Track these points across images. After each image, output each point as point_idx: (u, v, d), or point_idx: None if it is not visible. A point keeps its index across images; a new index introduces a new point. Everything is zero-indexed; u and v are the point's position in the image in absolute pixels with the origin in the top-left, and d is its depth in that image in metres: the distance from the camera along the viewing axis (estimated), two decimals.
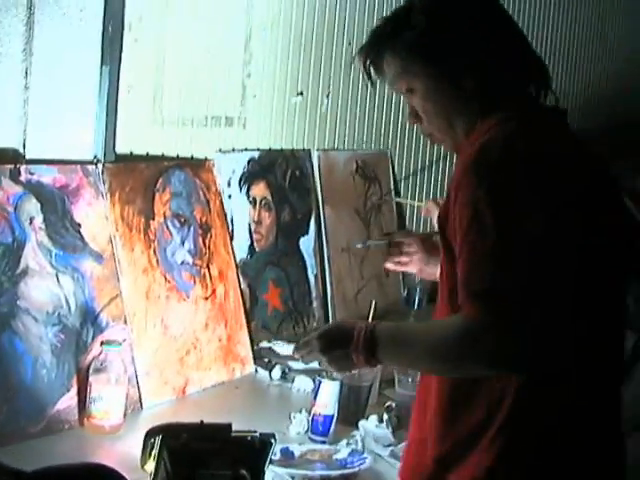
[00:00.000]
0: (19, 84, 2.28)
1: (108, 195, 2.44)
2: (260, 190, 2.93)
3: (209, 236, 2.71)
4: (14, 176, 2.24)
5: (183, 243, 2.63)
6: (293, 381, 2.69)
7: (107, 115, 2.45)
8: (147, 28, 2.54)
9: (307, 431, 2.38)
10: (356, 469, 2.17)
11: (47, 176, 2.31)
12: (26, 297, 2.22)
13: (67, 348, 2.28)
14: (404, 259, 2.52)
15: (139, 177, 2.54)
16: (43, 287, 2.25)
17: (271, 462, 2.11)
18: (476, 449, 1.78)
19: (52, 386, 2.24)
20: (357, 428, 2.40)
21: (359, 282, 3.26)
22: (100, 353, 2.28)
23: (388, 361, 1.89)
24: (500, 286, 1.62)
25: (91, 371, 2.27)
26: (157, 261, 2.55)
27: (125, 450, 2.19)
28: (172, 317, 2.56)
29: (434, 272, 2.33)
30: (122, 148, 2.53)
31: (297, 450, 2.27)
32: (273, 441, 1.97)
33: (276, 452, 2.23)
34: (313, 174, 3.11)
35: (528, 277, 1.62)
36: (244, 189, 2.87)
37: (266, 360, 2.78)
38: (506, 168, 1.69)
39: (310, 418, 2.37)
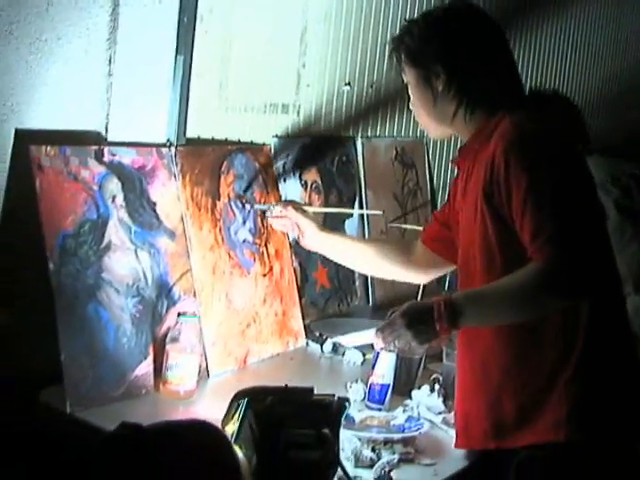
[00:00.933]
0: (103, 71, 2.39)
1: (180, 176, 2.56)
2: (311, 174, 3.06)
3: (265, 216, 2.84)
4: (98, 157, 2.37)
5: (244, 223, 2.76)
6: (344, 354, 2.83)
7: (180, 101, 2.57)
8: (216, 20, 2.66)
9: (363, 399, 2.52)
10: (415, 433, 2.30)
11: (127, 157, 2.43)
12: (109, 270, 2.34)
13: (144, 318, 2.41)
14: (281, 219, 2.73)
15: (207, 160, 2.67)
16: (124, 261, 2.38)
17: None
18: (553, 392, 2.06)
19: (131, 353, 2.37)
20: (410, 397, 2.54)
21: None
22: (176, 324, 2.41)
23: (469, 323, 2.07)
24: (569, 229, 1.93)
25: (168, 340, 2.40)
26: (222, 239, 2.68)
27: (200, 413, 2.32)
28: (235, 292, 2.69)
29: (310, 243, 2.68)
30: (190, 132, 2.65)
31: (357, 416, 2.41)
32: (347, 404, 2.10)
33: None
34: (357, 160, 3.24)
35: (587, 218, 1.99)
36: (297, 173, 3.00)
37: (317, 334, 2.91)
38: (541, 138, 2.05)
39: (367, 387, 2.51)
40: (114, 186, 2.40)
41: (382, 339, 2.16)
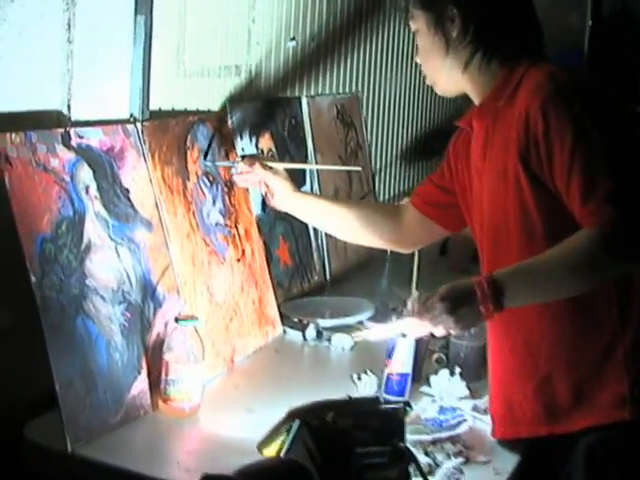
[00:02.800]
0: (62, 38, 1.95)
1: (149, 156, 2.15)
2: (266, 141, 2.69)
3: (233, 193, 2.46)
4: (66, 141, 1.94)
5: (214, 203, 2.38)
6: (330, 340, 2.50)
7: (143, 69, 2.15)
8: None
9: (376, 392, 2.21)
10: (465, 428, 2.02)
11: (94, 139, 2.01)
12: (93, 275, 1.93)
13: (134, 327, 2.01)
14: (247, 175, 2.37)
15: (171, 135, 2.26)
16: (106, 262, 1.97)
17: None
18: (611, 366, 1.83)
19: (125, 370, 1.97)
20: (428, 384, 2.25)
21: None
22: (173, 330, 2.02)
23: (517, 302, 1.79)
24: (626, 186, 1.69)
25: (165, 350, 2.01)
26: (197, 224, 2.29)
27: (214, 433, 1.98)
28: (215, 283, 2.31)
29: (281, 203, 2.34)
30: (152, 104, 2.23)
31: None
32: (410, 408, 1.80)
33: None
34: (304, 122, 2.88)
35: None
36: (253, 141, 2.63)
37: (295, 320, 2.57)
38: (582, 88, 1.81)
39: (384, 378, 2.20)
40: (86, 174, 1.97)
41: (419, 328, 1.85)
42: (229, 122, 2.50)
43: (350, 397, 1.76)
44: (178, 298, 2.16)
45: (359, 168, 2.26)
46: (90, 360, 1.89)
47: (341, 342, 2.48)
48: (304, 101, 2.89)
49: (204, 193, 2.34)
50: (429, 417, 2.10)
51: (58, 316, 1.83)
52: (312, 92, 2.97)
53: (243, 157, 2.37)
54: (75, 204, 1.92)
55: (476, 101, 1.97)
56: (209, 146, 2.35)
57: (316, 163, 2.89)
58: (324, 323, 2.56)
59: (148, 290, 2.07)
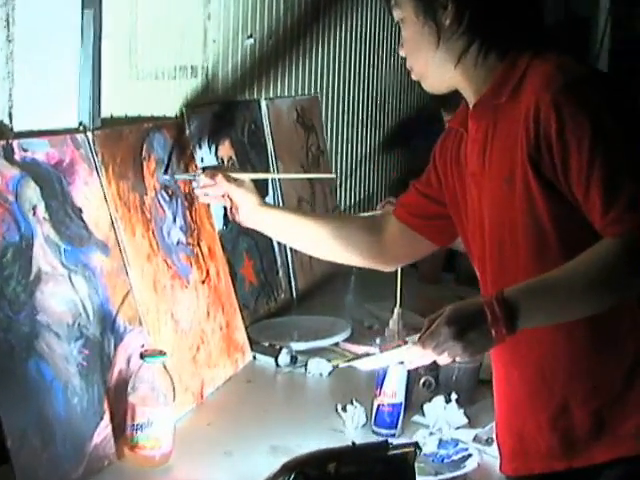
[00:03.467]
0: (1, 36, 1.67)
1: (102, 170, 1.88)
2: (226, 149, 2.43)
3: (194, 208, 2.20)
4: (9, 155, 1.67)
5: (175, 219, 2.12)
6: (306, 366, 2.25)
7: (93, 70, 1.88)
8: None
9: (364, 425, 1.98)
10: (474, 465, 1.79)
11: (40, 152, 1.74)
12: (45, 309, 1.66)
13: (93, 366, 1.74)
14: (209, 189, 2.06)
15: (126, 145, 1.99)
16: (59, 294, 1.70)
17: None
18: (634, 393, 1.61)
19: (86, 416, 1.71)
20: (421, 413, 2.02)
21: None
22: (140, 368, 1.76)
23: (532, 323, 1.56)
24: None
25: (130, 391, 1.75)
26: (157, 244, 2.02)
27: None
28: (179, 310, 2.05)
29: (247, 219, 2.06)
30: (102, 110, 1.96)
31: None
32: (419, 451, 1.57)
33: None
34: (264, 127, 2.63)
35: None
36: (212, 148, 2.37)
37: (266, 344, 2.32)
38: (598, 80, 1.60)
39: (374, 409, 1.96)
40: (32, 193, 1.70)
41: (421, 357, 1.61)
42: (187, 129, 2.24)
43: (354, 443, 1.51)
44: (140, 329, 1.89)
45: (332, 175, 2.00)
46: (46, 408, 1.62)
47: (318, 367, 2.24)
48: (263, 104, 2.63)
49: (163, 209, 2.08)
50: (428, 452, 1.87)
51: (7, 359, 1.56)
52: (271, 94, 2.71)
53: (204, 169, 2.10)
54: (21, 227, 1.65)
55: (470, 98, 1.73)
56: (169, 160, 2.09)
57: (277, 171, 2.64)
58: (297, 346, 2.31)
59: (107, 322, 1.80)
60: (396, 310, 2.25)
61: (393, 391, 1.94)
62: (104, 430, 1.73)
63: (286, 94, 2.80)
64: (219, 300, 2.21)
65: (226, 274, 2.27)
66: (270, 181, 2.60)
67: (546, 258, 1.60)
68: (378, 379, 1.95)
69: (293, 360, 2.26)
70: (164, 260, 2.03)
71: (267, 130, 2.62)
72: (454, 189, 1.83)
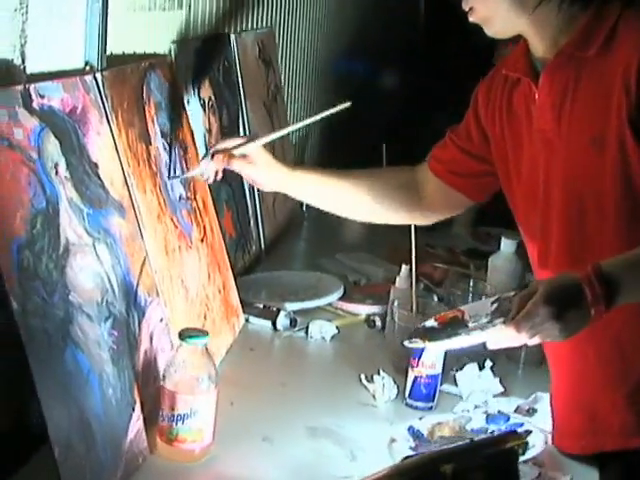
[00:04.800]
0: None
1: (113, 116, 1.57)
2: (206, 90, 2.13)
3: (188, 157, 1.91)
4: (27, 103, 1.34)
5: (175, 171, 1.82)
6: (307, 329, 2.02)
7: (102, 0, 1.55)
8: None
9: (397, 396, 1.78)
10: (541, 446, 1.61)
11: (55, 98, 1.42)
12: (75, 287, 1.37)
13: (122, 348, 1.47)
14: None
15: (129, 87, 1.68)
16: (86, 267, 1.41)
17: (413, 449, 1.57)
18: None
19: (120, 409, 1.43)
20: (454, 383, 1.83)
21: None
22: (178, 349, 1.49)
23: (631, 299, 1.38)
24: None
25: (167, 376, 1.48)
26: (164, 201, 1.73)
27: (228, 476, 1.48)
28: (188, 274, 1.77)
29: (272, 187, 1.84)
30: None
31: (422, 428, 1.67)
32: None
33: (408, 437, 1.63)
34: (234, 64, 2.32)
35: None
36: (195, 91, 2.06)
37: (260, 306, 2.06)
38: None
39: (410, 380, 1.76)
40: (53, 148, 1.39)
41: (513, 338, 1.41)
42: (174, 69, 1.93)
43: (472, 440, 1.30)
44: (158, 300, 1.61)
45: (348, 104, 1.75)
46: (85, 406, 1.33)
47: (320, 331, 2.01)
48: (232, 38, 2.32)
49: (164, 161, 1.78)
50: (476, 428, 1.69)
51: (45, 351, 1.27)
52: (237, 27, 2.40)
53: (212, 154, 1.76)
54: (47, 191, 1.34)
55: (538, 47, 1.52)
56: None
57: (246, 110, 2.35)
58: (292, 307, 2.06)
59: (130, 296, 1.52)
60: (405, 267, 2.04)
61: (432, 362, 1.75)
62: (136, 423, 1.46)
63: (247, 27, 2.49)
64: (215, 259, 1.94)
65: (217, 229, 2.00)
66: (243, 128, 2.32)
67: (637, 230, 1.43)
68: (415, 349, 1.74)
69: (292, 323, 2.02)
70: (171, 219, 1.74)
71: (237, 67, 2.33)
72: (502, 144, 1.63)
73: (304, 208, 2.80)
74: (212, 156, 1.75)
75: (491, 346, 1.44)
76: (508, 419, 1.69)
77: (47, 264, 1.30)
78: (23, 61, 1.39)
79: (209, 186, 2.01)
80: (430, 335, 1.49)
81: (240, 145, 1.76)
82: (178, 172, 1.81)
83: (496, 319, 1.45)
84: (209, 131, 2.10)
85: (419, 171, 1.83)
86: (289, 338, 2.01)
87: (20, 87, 1.33)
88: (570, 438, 1.61)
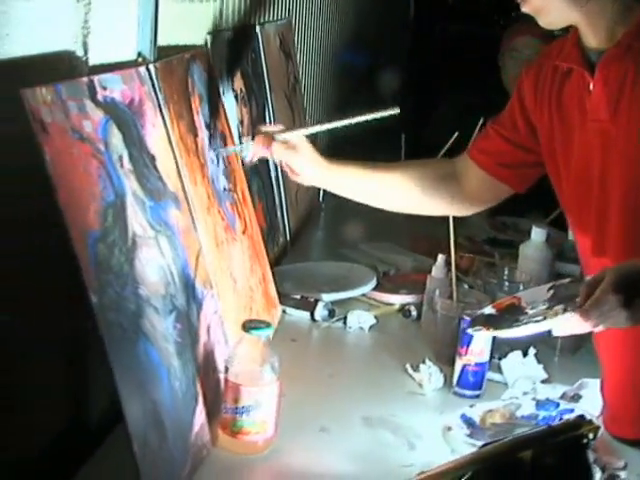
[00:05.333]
0: None
1: (165, 109, 1.55)
2: (238, 82, 2.11)
3: (226, 147, 1.88)
4: (92, 94, 1.31)
5: (218, 162, 1.80)
6: (345, 320, 2.00)
7: None
8: None
9: (443, 385, 1.77)
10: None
11: (116, 90, 1.39)
12: (143, 280, 1.35)
13: (185, 341, 1.45)
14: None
15: (177, 78, 1.66)
16: (151, 260, 1.39)
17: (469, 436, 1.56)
18: None
19: (186, 402, 1.42)
20: (498, 370, 1.82)
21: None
22: (240, 340, 1.47)
23: None
24: None
25: (228, 367, 1.47)
26: (212, 193, 1.71)
27: (299, 469, 1.46)
28: (234, 266, 1.76)
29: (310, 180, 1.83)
30: None
31: (474, 415, 1.67)
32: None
33: (462, 425, 1.63)
34: (260, 55, 2.30)
35: None
36: (229, 82, 2.04)
37: (297, 297, 2.05)
38: None
39: (458, 369, 1.75)
40: (117, 140, 1.36)
41: (579, 326, 1.40)
42: (211, 60, 1.91)
43: (550, 425, 1.29)
44: (212, 293, 1.59)
45: (396, 110, 1.75)
46: (157, 401, 1.32)
47: (358, 321, 1.99)
48: (257, 30, 2.30)
49: (209, 151, 1.76)
50: (526, 414, 1.68)
51: (121, 345, 1.25)
52: (260, 19, 2.38)
53: (253, 136, 1.76)
54: (115, 183, 1.32)
55: (591, 37, 1.51)
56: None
57: (271, 101, 2.33)
58: (328, 298, 2.05)
59: (189, 288, 1.50)
60: (441, 257, 2.03)
61: (481, 349, 1.74)
62: (200, 415, 1.44)
63: (272, 18, 2.47)
64: (255, 251, 1.92)
65: (255, 221, 1.98)
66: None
67: None
68: (464, 337, 1.74)
69: (331, 314, 2.01)
70: (218, 211, 1.72)
71: (262, 59, 2.31)
72: (551, 134, 1.62)
73: (321, 198, 2.78)
74: (253, 137, 1.74)
75: (556, 333, 1.43)
76: (557, 405, 1.69)
77: (118, 257, 1.28)
78: (86, 52, 1.36)
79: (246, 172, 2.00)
80: (492, 323, 1.48)
81: (282, 130, 1.75)
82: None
83: (555, 305, 1.44)
84: (241, 122, 2.08)
85: (458, 162, 1.82)
86: (328, 329, 1.99)
87: (85, 79, 1.31)
88: (624, 423, 1.61)
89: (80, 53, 1.35)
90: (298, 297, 2.03)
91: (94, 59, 1.39)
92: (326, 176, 1.79)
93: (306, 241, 2.54)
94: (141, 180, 1.40)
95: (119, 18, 1.46)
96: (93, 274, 1.20)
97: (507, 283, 1.99)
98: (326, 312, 2.00)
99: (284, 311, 2.02)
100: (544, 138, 1.64)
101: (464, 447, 1.52)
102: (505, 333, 1.48)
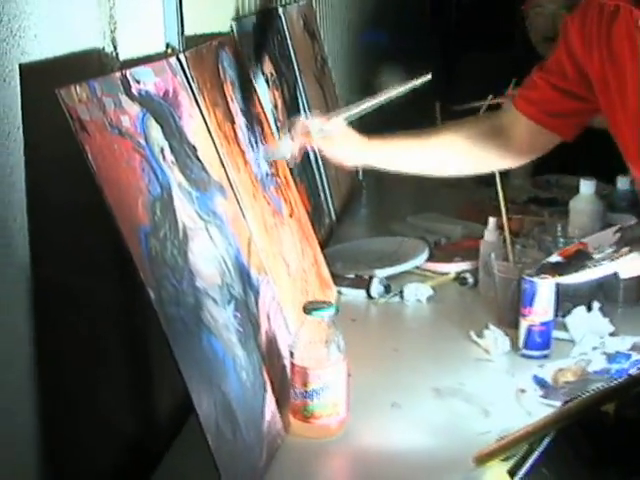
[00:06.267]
0: None
1: (200, 98, 1.51)
2: (267, 65, 2.06)
3: (265, 134, 1.84)
4: (127, 89, 1.28)
5: (258, 148, 1.76)
6: (401, 294, 1.96)
7: None
8: None
9: (510, 348, 1.72)
10: None
11: (150, 83, 1.35)
12: (199, 272, 1.31)
13: (247, 330, 1.41)
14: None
15: (208, 66, 1.62)
16: (204, 251, 1.35)
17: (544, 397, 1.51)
18: None
19: (255, 391, 1.38)
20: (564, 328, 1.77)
21: None
22: (303, 323, 1.43)
23: None
24: None
25: (293, 352, 1.42)
26: (255, 179, 1.67)
27: (375, 448, 1.42)
28: (285, 251, 1.71)
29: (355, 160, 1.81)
30: None
31: (545, 375, 1.61)
32: None
33: (535, 386, 1.57)
34: (286, 38, 2.26)
35: None
36: (259, 67, 2.00)
37: (351, 276, 2.00)
38: None
39: (524, 330, 1.70)
40: (156, 133, 1.32)
41: None
42: (238, 46, 1.86)
43: (631, 375, 1.24)
44: (267, 279, 1.55)
45: (429, 76, 1.71)
46: (226, 389, 1.28)
47: (415, 294, 1.95)
48: (280, 12, 2.26)
49: (248, 137, 1.72)
50: (599, 369, 1.63)
51: (185, 338, 1.21)
52: (282, 0, 2.33)
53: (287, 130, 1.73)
54: (159, 176, 1.28)
55: None
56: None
57: (302, 83, 2.28)
58: (383, 273, 2.00)
59: (244, 276, 1.46)
60: (492, 220, 1.97)
61: (544, 308, 1.69)
62: (270, 404, 1.41)
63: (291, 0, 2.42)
64: (304, 233, 1.88)
65: (300, 203, 1.94)
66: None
67: None
68: (526, 297, 1.69)
69: (387, 289, 1.96)
70: (263, 196, 1.68)
71: (289, 41, 2.26)
72: (603, 76, 1.56)
73: (360, 176, 2.73)
74: (292, 138, 1.71)
75: (623, 275, 1.38)
76: (629, 357, 1.63)
77: (172, 251, 1.25)
78: (115, 48, 1.32)
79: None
80: (559, 270, 1.43)
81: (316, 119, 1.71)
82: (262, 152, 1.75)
83: (622, 248, 1.39)
84: (275, 106, 2.04)
85: (504, 115, 1.77)
86: (385, 305, 1.95)
87: (118, 74, 1.27)
88: None
89: (109, 49, 1.32)
90: (352, 276, 1.98)
91: (124, 54, 1.35)
92: (370, 153, 1.75)
93: (351, 220, 2.49)
94: (185, 171, 1.36)
95: (144, 10, 1.43)
96: (148, 270, 1.17)
97: (562, 240, 1.93)
98: (382, 288, 1.95)
99: (339, 292, 1.97)
100: (597, 81, 1.59)
101: (540, 408, 1.47)
102: (571, 278, 1.43)
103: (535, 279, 1.63)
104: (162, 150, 1.31)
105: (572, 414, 1.19)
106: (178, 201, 1.31)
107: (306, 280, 1.77)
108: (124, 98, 1.25)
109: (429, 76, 1.72)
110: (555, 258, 1.49)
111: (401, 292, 1.95)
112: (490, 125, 1.78)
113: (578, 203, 2.11)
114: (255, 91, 1.86)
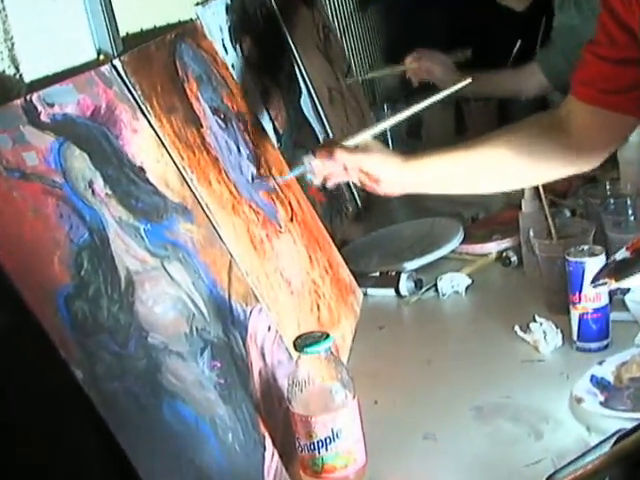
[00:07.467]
0: None
1: (147, 106, 1.25)
2: (249, 47, 1.80)
3: (249, 129, 1.59)
4: (32, 116, 1.03)
5: (239, 149, 1.50)
6: (435, 287, 1.69)
7: None
8: None
9: (563, 342, 1.44)
10: None
11: (70, 103, 1.11)
12: (152, 324, 1.06)
13: (231, 380, 1.16)
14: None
15: (158, 67, 1.36)
16: (160, 295, 1.10)
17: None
18: None
19: (248, 453, 1.13)
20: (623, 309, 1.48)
21: (348, 129, 2.19)
22: (298, 362, 1.18)
23: None
24: None
25: (290, 398, 1.17)
26: (235, 188, 1.42)
27: None
28: (285, 264, 1.46)
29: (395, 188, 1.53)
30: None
31: (606, 374, 1.33)
32: None
33: (594, 390, 1.30)
34: (274, 10, 1.99)
35: None
36: (239, 51, 1.74)
37: (376, 274, 1.74)
38: None
39: (576, 320, 1.42)
40: (81, 163, 1.08)
41: None
42: (206, 32, 1.60)
43: None
44: (259, 307, 1.30)
45: (469, 80, 1.46)
46: (203, 464, 1.04)
47: (451, 285, 1.68)
48: None
49: (224, 140, 1.46)
50: None
51: (136, 417, 0.97)
52: None
53: (313, 151, 1.50)
54: (86, 218, 1.04)
55: None
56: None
57: (300, 59, 2.01)
58: (412, 265, 1.74)
59: (224, 313, 1.21)
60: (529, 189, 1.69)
61: (595, 293, 1.40)
62: (272, 462, 1.16)
63: None
64: (312, 236, 1.63)
65: (305, 201, 1.68)
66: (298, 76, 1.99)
67: None
68: (574, 282, 1.40)
69: (418, 285, 1.70)
70: (249, 206, 1.43)
71: (277, 14, 1.99)
72: None
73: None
74: (313, 152, 1.46)
75: None
76: None
77: (109, 308, 1.01)
78: (17, 68, 1.08)
79: (282, 154, 1.70)
80: (622, 271, 1.14)
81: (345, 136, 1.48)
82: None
83: None
84: (264, 92, 1.77)
85: (562, 107, 1.46)
86: (418, 302, 1.68)
87: (19, 101, 1.03)
88: None
89: (10, 71, 1.07)
90: (377, 274, 1.72)
91: (32, 73, 1.10)
92: (408, 174, 1.47)
93: (380, 203, 2.21)
94: (127, 202, 1.12)
95: (55, 16, 1.18)
96: (73, 343, 0.93)
97: (612, 200, 1.64)
98: (412, 284, 1.69)
99: (365, 294, 1.71)
100: None
101: (601, 421, 1.20)
102: (634, 281, 1.14)
103: (581, 259, 1.34)
104: (90, 183, 1.07)
105: (630, 452, 0.91)
106: (118, 242, 1.07)
107: (317, 292, 1.51)
108: (29, 129, 1.02)
109: (469, 79, 1.47)
110: (622, 254, 1.19)
111: (435, 285, 1.68)
112: (548, 120, 1.47)
113: (627, 152, 1.80)
114: (234, 81, 1.60)
